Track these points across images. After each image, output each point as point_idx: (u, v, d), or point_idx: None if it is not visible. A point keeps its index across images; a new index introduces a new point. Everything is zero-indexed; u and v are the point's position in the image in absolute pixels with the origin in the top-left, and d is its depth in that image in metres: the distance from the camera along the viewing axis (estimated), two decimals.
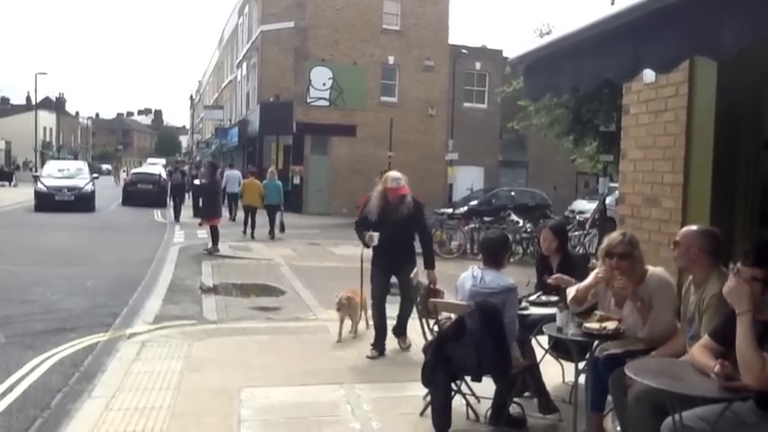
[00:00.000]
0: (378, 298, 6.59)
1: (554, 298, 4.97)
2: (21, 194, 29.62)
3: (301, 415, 4.85)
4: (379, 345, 6.45)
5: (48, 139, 69.64)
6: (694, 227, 3.85)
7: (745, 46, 2.79)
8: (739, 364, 2.97)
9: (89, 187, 24.39)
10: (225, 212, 18.79)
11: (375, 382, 5.60)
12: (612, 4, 4.05)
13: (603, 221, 14.79)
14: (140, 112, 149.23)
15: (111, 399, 5.08)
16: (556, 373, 5.30)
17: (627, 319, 4.17)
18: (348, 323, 7.09)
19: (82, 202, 23.45)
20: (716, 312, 3.45)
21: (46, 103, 71.51)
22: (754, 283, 3.04)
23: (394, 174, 6.54)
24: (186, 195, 23.92)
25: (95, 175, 27.81)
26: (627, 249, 4.10)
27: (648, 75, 5.03)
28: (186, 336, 7.11)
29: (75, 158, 43.72)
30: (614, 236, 4.25)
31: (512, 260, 6.51)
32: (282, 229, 17.01)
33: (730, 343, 3.06)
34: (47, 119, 68.71)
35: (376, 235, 6.34)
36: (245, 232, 17.07)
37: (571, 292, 4.37)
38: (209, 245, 13.77)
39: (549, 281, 5.10)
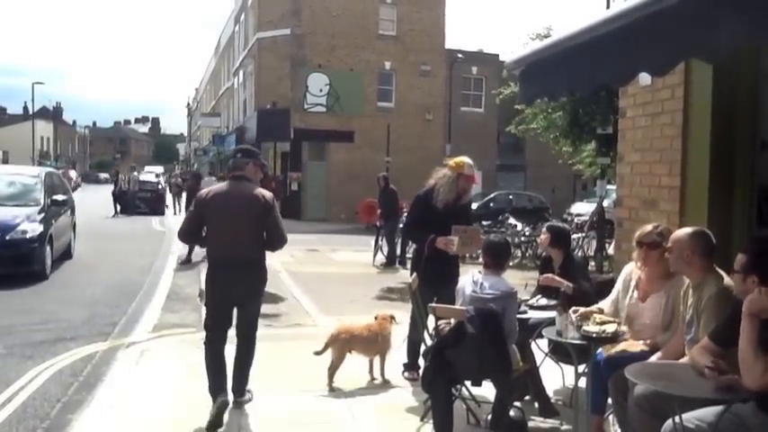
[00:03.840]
0: (422, 324, 5.18)
1: (553, 301, 4.97)
2: None
3: (302, 422, 4.84)
4: (414, 362, 5.70)
5: (45, 149, 69.64)
6: (684, 230, 3.83)
7: (740, 48, 2.80)
8: (741, 366, 2.97)
9: (31, 228, 10.53)
10: None
11: (375, 388, 5.60)
12: (608, 7, 4.06)
13: (601, 224, 14.79)
14: (137, 121, 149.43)
15: (111, 408, 5.07)
16: (556, 377, 5.30)
17: (643, 315, 4.19)
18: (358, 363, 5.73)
19: (8, 262, 9.99)
20: (714, 314, 3.45)
21: (43, 113, 71.54)
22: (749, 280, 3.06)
23: (467, 159, 5.63)
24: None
25: (60, 196, 12.28)
26: (656, 240, 4.10)
27: (644, 78, 5.04)
28: (186, 344, 7.08)
29: (73, 167, 34.85)
30: (646, 226, 4.28)
31: (510, 263, 6.47)
32: None
33: (730, 344, 3.06)
34: (44, 128, 68.72)
35: (456, 238, 5.31)
36: None
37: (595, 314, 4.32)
38: (186, 255, 13.15)
39: (541, 281, 5.18)
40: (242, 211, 4.80)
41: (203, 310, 8.86)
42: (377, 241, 14.77)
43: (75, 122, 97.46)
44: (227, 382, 4.84)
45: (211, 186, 5.14)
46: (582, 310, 4.27)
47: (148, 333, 7.59)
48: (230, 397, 4.84)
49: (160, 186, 31.10)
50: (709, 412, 3.14)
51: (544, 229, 5.59)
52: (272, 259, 13.93)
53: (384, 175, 15.22)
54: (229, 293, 4.84)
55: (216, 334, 4.87)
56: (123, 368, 6.15)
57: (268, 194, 4.93)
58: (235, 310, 4.94)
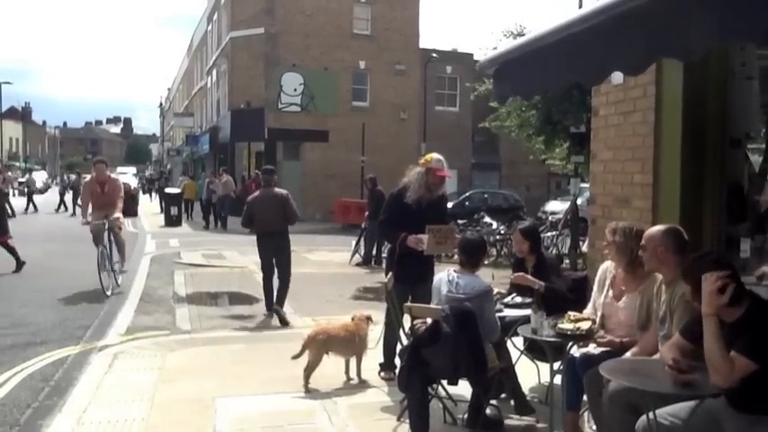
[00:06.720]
0: (398, 323, 5.28)
1: (528, 299, 4.99)
2: None
3: (277, 423, 4.80)
4: (390, 362, 5.69)
5: (14, 150, 68.47)
6: (658, 227, 3.87)
7: (711, 47, 2.83)
8: (708, 366, 2.99)
9: None
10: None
11: (351, 388, 5.58)
12: (580, 7, 4.08)
13: (575, 222, 14.91)
14: (109, 121, 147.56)
15: (83, 413, 4.99)
16: (531, 374, 5.32)
17: (618, 314, 4.22)
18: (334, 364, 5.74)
19: None
20: (686, 311, 3.48)
21: (11, 113, 70.28)
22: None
23: (436, 154, 5.63)
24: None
25: None
26: (610, 238, 4.20)
27: (617, 76, 5.08)
28: (159, 347, 7.01)
29: (44, 168, 33.73)
30: (622, 223, 4.37)
31: (486, 262, 6.46)
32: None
33: (700, 340, 3.08)
34: (13, 129, 67.57)
35: (425, 237, 5.33)
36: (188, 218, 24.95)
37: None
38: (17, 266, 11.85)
39: (513, 280, 5.22)
40: (271, 203, 8.43)
41: (177, 312, 8.94)
42: (358, 242, 14.74)
43: (44, 123, 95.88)
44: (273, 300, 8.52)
45: (255, 194, 8.80)
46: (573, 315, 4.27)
47: (121, 336, 7.49)
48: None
49: (132, 188, 30.73)
50: (681, 408, 3.17)
51: (516, 233, 5.56)
52: (247, 260, 14.00)
53: (372, 177, 15.16)
54: (270, 249, 8.56)
55: (267, 273, 8.64)
56: (96, 372, 6.05)
57: (284, 191, 8.69)
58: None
